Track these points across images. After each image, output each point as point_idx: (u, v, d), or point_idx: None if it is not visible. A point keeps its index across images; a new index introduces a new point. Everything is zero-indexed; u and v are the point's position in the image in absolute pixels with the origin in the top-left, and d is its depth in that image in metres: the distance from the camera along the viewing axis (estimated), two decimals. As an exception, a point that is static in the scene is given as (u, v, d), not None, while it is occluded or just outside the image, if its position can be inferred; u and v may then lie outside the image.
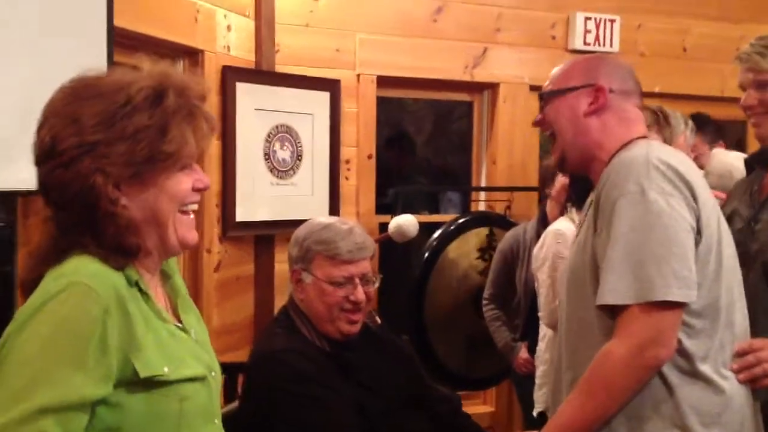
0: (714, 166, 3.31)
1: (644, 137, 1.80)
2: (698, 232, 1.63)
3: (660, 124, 2.76)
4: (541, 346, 2.93)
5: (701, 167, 3.38)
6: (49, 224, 1.32)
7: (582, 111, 1.80)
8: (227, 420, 2.16)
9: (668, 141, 2.79)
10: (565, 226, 2.87)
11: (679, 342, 1.61)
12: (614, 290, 1.58)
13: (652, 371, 1.60)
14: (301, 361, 2.07)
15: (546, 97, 1.86)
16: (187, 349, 1.37)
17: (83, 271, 1.24)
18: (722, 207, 2.37)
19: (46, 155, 1.28)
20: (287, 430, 2.01)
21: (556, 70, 1.89)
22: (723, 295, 1.67)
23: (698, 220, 1.63)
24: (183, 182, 1.36)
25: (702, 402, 1.64)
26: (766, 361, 1.73)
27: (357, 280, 2.16)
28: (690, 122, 3.56)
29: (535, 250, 2.94)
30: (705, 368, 1.64)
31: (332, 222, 2.23)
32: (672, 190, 1.61)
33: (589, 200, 1.82)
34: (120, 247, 1.28)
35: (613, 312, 1.60)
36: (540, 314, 2.92)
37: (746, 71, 2.09)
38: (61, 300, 1.20)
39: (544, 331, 2.92)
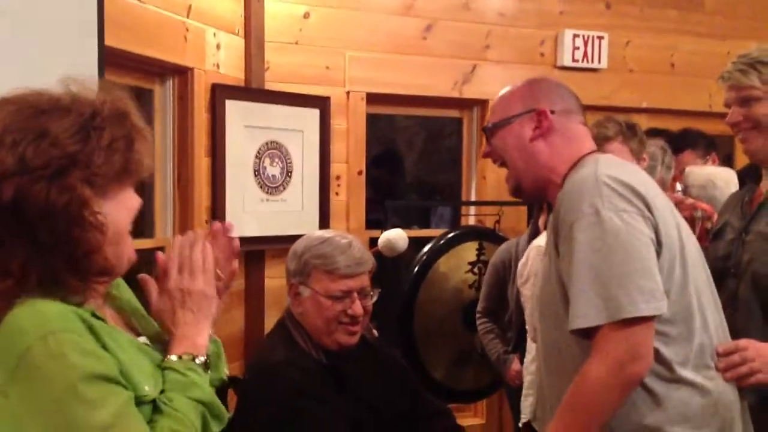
0: (693, 180, 3.35)
1: (593, 152, 1.81)
2: (658, 243, 1.64)
3: (624, 134, 2.79)
4: (528, 358, 2.94)
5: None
6: None
7: (528, 137, 1.81)
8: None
9: (636, 152, 2.83)
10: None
11: (657, 351, 1.62)
12: (584, 315, 1.59)
13: (633, 386, 1.61)
14: (298, 374, 2.08)
15: (491, 129, 1.87)
16: (157, 362, 1.36)
17: (48, 316, 1.19)
18: (717, 220, 2.41)
19: (14, 171, 1.20)
20: None
21: (495, 102, 1.91)
22: (693, 299, 1.69)
23: (656, 230, 1.64)
24: (135, 198, 1.35)
25: (690, 406, 1.65)
26: (751, 360, 1.76)
27: (355, 294, 2.17)
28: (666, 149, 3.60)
29: (520, 266, 2.96)
30: (686, 373, 1.66)
31: (331, 236, 2.23)
32: (626, 206, 1.62)
33: (548, 224, 1.83)
34: (104, 269, 1.27)
35: (587, 334, 1.61)
36: (527, 329, 2.93)
37: (729, 89, 2.13)
38: (39, 356, 1.15)
39: (530, 345, 2.94)
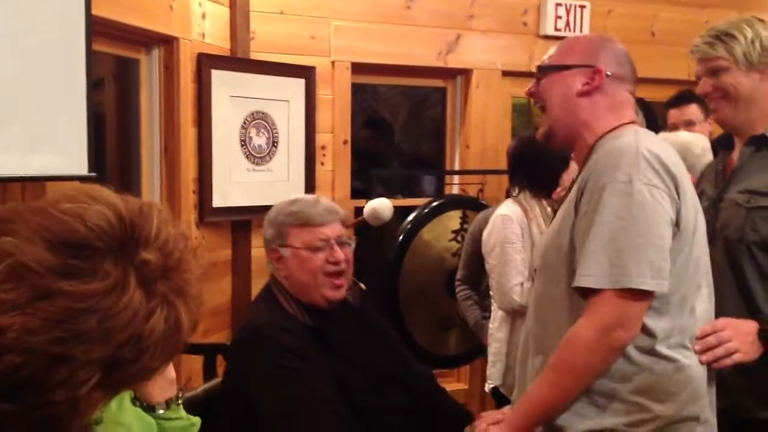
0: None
1: (632, 122, 1.84)
2: (676, 224, 1.68)
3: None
4: (494, 325, 3.00)
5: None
6: None
7: (576, 90, 1.83)
8: (206, 397, 2.24)
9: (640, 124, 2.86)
10: (511, 211, 2.92)
11: (643, 323, 1.67)
12: (591, 275, 1.63)
13: (616, 353, 1.66)
14: (283, 335, 2.12)
15: (543, 70, 1.89)
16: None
17: None
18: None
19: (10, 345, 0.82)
20: (268, 403, 2.06)
21: (560, 44, 1.92)
22: (690, 282, 1.74)
23: (678, 213, 1.68)
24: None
25: (662, 379, 1.70)
26: (727, 340, 1.80)
27: (333, 242, 2.23)
28: (639, 112, 3.65)
29: (485, 235, 3.00)
30: (663, 348, 1.70)
31: (298, 197, 2.31)
32: (658, 182, 1.65)
33: (574, 185, 1.83)
34: None
35: (585, 293, 1.66)
36: (492, 296, 2.99)
37: (699, 62, 2.20)
38: None
39: (496, 312, 3.00)
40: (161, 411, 1.32)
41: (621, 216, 1.62)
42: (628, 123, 1.82)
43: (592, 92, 1.82)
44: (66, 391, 0.83)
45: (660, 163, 1.67)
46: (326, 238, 2.22)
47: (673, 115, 3.60)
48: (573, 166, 3.07)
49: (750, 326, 1.91)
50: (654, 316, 1.69)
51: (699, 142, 3.41)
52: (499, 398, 3.02)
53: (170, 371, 1.32)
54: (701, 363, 1.76)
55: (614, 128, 1.80)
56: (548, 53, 1.92)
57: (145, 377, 0.91)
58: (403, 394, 2.31)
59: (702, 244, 1.80)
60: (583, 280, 1.64)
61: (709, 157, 3.28)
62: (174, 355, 0.94)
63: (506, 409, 2.10)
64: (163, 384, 1.33)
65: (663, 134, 3.44)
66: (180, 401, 1.35)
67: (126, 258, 0.86)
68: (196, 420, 1.35)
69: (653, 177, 1.65)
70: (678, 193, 1.69)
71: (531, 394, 1.75)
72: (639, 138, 1.72)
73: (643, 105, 3.74)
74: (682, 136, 3.38)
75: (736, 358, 1.82)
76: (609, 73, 1.83)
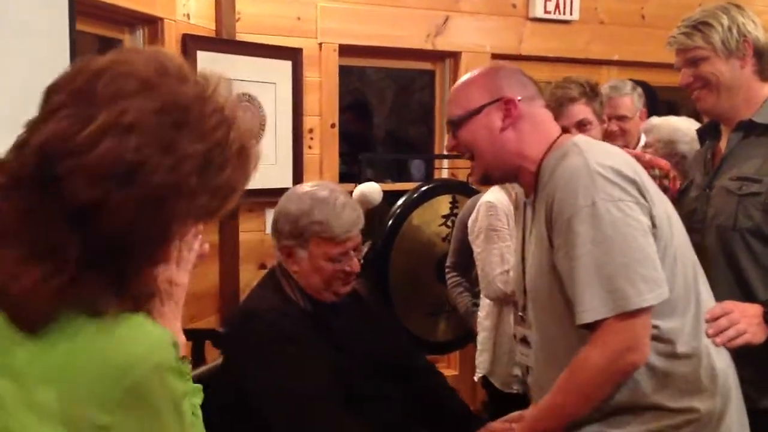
0: (658, 135, 3.34)
1: (562, 134, 1.81)
2: (653, 225, 1.66)
3: (587, 96, 2.79)
4: (482, 314, 2.98)
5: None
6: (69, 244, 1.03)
7: (498, 127, 1.79)
8: (197, 381, 2.21)
9: (599, 113, 2.84)
10: (496, 198, 2.88)
11: (657, 327, 1.66)
12: (590, 308, 1.60)
13: (628, 375, 1.65)
14: (283, 321, 2.11)
15: (456, 123, 1.83)
16: None
17: (158, 343, 1.10)
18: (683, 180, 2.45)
19: (121, 178, 1.02)
20: (264, 388, 2.04)
21: (454, 94, 1.87)
22: (685, 273, 1.73)
23: (651, 215, 1.66)
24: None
25: (692, 377, 1.70)
26: (737, 322, 1.82)
27: (351, 253, 2.22)
28: (638, 88, 3.62)
29: (470, 222, 2.97)
30: (683, 348, 1.69)
31: (324, 196, 2.21)
32: (621, 195, 1.63)
33: (535, 211, 1.80)
34: (147, 297, 1.15)
35: (589, 325, 1.63)
36: (480, 284, 2.97)
37: (677, 53, 2.20)
38: (154, 387, 1.07)
39: (483, 300, 2.98)
40: None
41: (597, 241, 1.60)
42: (558, 136, 1.80)
43: (515, 122, 1.79)
44: (173, 176, 1.03)
45: (615, 173, 1.64)
46: (346, 251, 2.21)
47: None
48: None
49: (755, 309, 1.92)
50: (664, 319, 1.67)
51: (689, 130, 3.38)
52: (489, 387, 3.00)
53: (181, 332, 1.33)
54: (716, 345, 1.76)
55: (550, 147, 1.77)
56: (449, 108, 1.86)
57: (227, 196, 1.13)
58: (400, 389, 2.29)
59: (680, 232, 1.78)
60: (584, 317, 1.61)
61: (696, 145, 3.28)
62: (245, 182, 1.15)
63: (515, 415, 2.10)
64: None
65: (652, 122, 3.42)
66: (187, 363, 1.32)
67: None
68: (198, 386, 1.34)
69: (614, 191, 1.62)
70: (644, 196, 1.66)
71: (540, 416, 1.74)
72: (585, 155, 1.68)
73: (646, 89, 3.72)
74: (670, 121, 3.35)
75: (747, 337, 1.84)
76: (520, 98, 1.80)
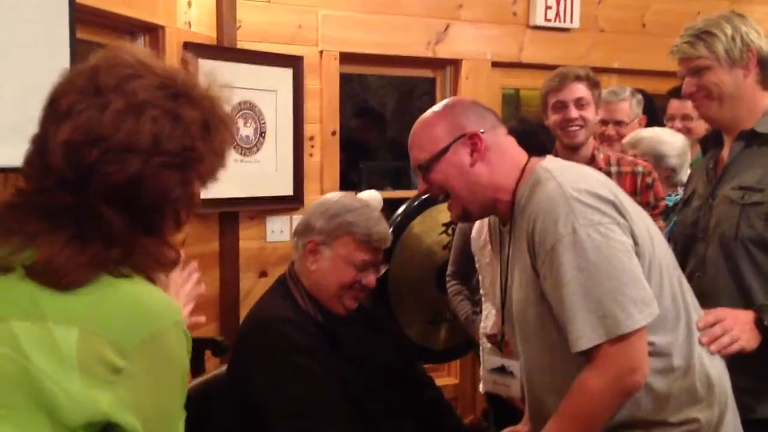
0: (647, 150, 3.34)
1: (530, 159, 1.80)
2: (635, 243, 1.66)
3: (590, 81, 2.90)
4: (487, 323, 2.97)
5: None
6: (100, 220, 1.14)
7: (467, 163, 1.77)
8: (194, 394, 2.20)
9: (596, 101, 2.91)
10: None
11: (653, 344, 1.65)
12: (582, 336, 1.60)
13: (631, 396, 1.65)
14: (295, 332, 2.10)
15: (425, 167, 1.81)
16: None
17: (175, 304, 1.20)
18: (685, 189, 2.44)
19: (148, 149, 1.14)
20: (273, 399, 2.03)
21: (416, 138, 1.85)
22: (672, 285, 1.73)
23: (632, 233, 1.66)
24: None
25: (688, 389, 1.69)
26: (731, 329, 1.82)
27: (372, 267, 2.22)
28: (638, 95, 3.63)
29: (474, 232, 2.97)
30: (678, 360, 1.69)
31: (363, 204, 2.25)
32: (600, 218, 1.62)
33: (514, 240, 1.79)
34: (173, 262, 1.24)
35: (585, 354, 1.62)
36: (482, 294, 2.96)
37: (680, 62, 2.19)
38: (172, 341, 1.15)
39: (488, 310, 2.97)
40: None
41: (582, 268, 1.59)
42: (527, 161, 1.79)
43: (483, 155, 1.77)
44: (187, 140, 1.17)
45: (592, 196, 1.64)
46: (370, 261, 2.21)
47: (674, 106, 3.57)
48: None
49: (747, 316, 1.92)
50: (658, 334, 1.67)
51: (674, 141, 3.38)
52: (492, 401, 2.99)
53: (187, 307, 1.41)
54: (711, 353, 1.76)
55: (521, 174, 1.77)
56: (414, 153, 1.84)
57: (222, 157, 1.25)
58: (406, 400, 2.29)
59: (661, 243, 1.78)
60: (578, 344, 1.61)
61: (685, 158, 3.28)
62: (231, 145, 1.29)
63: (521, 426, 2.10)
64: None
65: (642, 131, 3.41)
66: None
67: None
68: None
69: (593, 215, 1.61)
70: (623, 215, 1.65)
71: None
72: (558, 179, 1.67)
73: (645, 97, 3.72)
74: (659, 135, 3.34)
75: (740, 344, 1.83)
76: (482, 130, 1.78)
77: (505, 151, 1.81)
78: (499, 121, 1.86)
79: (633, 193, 2.83)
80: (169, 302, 1.18)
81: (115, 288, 1.12)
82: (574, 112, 2.86)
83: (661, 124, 3.61)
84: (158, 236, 1.20)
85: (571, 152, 2.88)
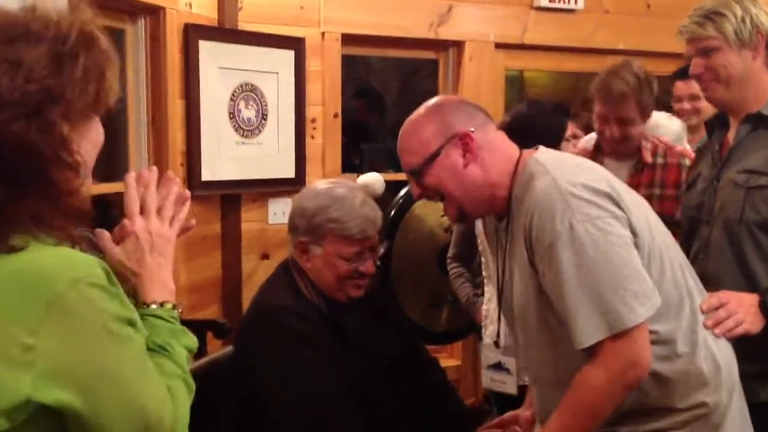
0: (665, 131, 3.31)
1: (521, 153, 1.77)
2: (633, 234, 1.64)
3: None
4: (490, 307, 2.96)
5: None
6: None
7: (460, 164, 1.74)
8: (195, 377, 2.20)
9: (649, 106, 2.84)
10: None
11: (656, 332, 1.65)
12: (586, 332, 1.59)
13: (633, 389, 1.64)
14: (298, 322, 2.09)
15: (418, 172, 1.76)
16: None
17: (73, 261, 1.12)
18: (689, 172, 2.43)
19: None
20: (277, 389, 2.03)
21: (406, 142, 1.80)
22: (675, 272, 1.73)
23: (630, 224, 1.64)
24: (100, 130, 1.26)
25: (694, 373, 1.69)
26: (735, 312, 1.81)
27: (367, 253, 2.20)
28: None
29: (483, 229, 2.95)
30: (683, 347, 1.69)
31: (342, 194, 2.19)
32: (598, 212, 1.60)
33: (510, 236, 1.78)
34: (81, 211, 1.19)
35: (588, 351, 1.62)
36: (485, 276, 2.95)
37: (688, 42, 2.16)
38: (73, 301, 1.09)
39: (490, 293, 2.96)
40: (153, 307, 1.31)
41: (581, 265, 1.58)
42: (519, 156, 1.76)
43: (476, 155, 1.74)
44: (34, 85, 1.12)
45: (588, 189, 1.62)
46: (362, 251, 2.18)
47: (681, 87, 3.53)
48: (565, 144, 3.04)
49: (752, 299, 1.92)
50: (662, 322, 1.66)
51: (670, 124, 3.35)
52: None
53: (169, 281, 1.34)
54: (716, 336, 1.75)
55: (515, 169, 1.74)
56: (404, 157, 1.80)
57: (99, 80, 1.19)
58: (410, 386, 2.28)
59: (660, 230, 1.76)
60: (581, 342, 1.60)
61: (681, 143, 3.25)
62: (111, 62, 1.23)
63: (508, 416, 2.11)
64: (161, 287, 1.33)
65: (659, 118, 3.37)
66: (177, 310, 1.34)
67: None
68: (194, 339, 1.35)
69: (590, 209, 1.60)
70: (620, 207, 1.64)
71: None
72: (553, 174, 1.65)
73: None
74: (655, 118, 3.30)
75: (745, 327, 1.83)
76: (472, 129, 1.75)
77: (497, 148, 1.77)
78: (489, 117, 1.82)
79: (676, 185, 2.79)
80: (58, 263, 1.10)
81: (3, 266, 1.08)
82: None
83: (665, 108, 3.58)
84: (52, 191, 1.14)
85: (617, 144, 2.84)
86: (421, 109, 1.82)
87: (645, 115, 2.82)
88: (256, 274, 3.59)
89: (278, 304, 2.14)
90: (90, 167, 1.24)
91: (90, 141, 1.23)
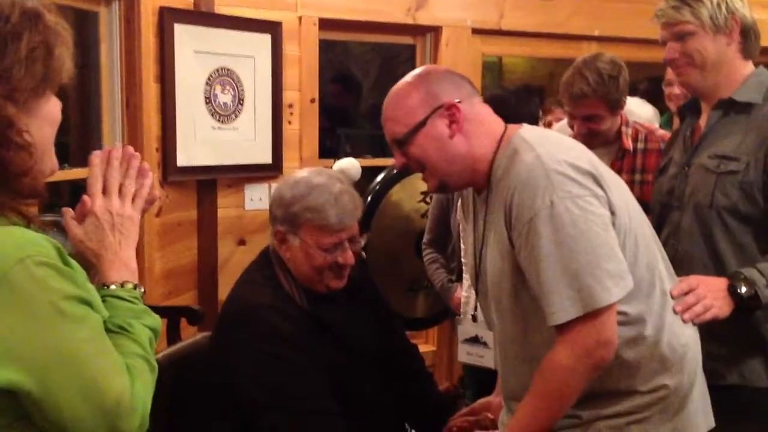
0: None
1: (506, 128, 1.77)
2: (612, 214, 1.65)
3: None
4: (470, 294, 2.98)
5: None
6: None
7: (446, 135, 1.73)
8: (169, 363, 2.20)
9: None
10: None
11: (626, 313, 1.66)
12: (560, 309, 1.59)
13: (601, 369, 1.64)
14: (279, 320, 2.05)
15: (402, 141, 1.75)
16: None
17: (22, 240, 1.12)
18: (662, 157, 2.44)
19: None
20: (255, 391, 2.01)
21: (391, 111, 1.77)
22: (649, 255, 1.74)
23: (609, 204, 1.65)
24: (57, 105, 1.24)
25: (657, 357, 1.71)
26: (704, 297, 1.83)
27: (346, 244, 2.14)
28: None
29: (460, 202, 2.96)
30: (649, 330, 1.70)
31: (321, 182, 2.13)
32: (579, 190, 1.60)
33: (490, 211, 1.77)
34: (34, 191, 1.20)
35: (560, 328, 1.62)
36: (463, 262, 2.97)
37: (663, 27, 2.17)
38: (19, 280, 1.09)
39: (468, 280, 2.97)
40: (113, 287, 1.30)
41: (559, 241, 1.58)
42: (504, 131, 1.76)
43: (461, 126, 1.73)
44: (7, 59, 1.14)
45: (571, 167, 1.62)
46: (340, 241, 2.12)
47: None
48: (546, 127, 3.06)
49: (720, 283, 1.93)
50: (631, 304, 1.67)
51: (642, 111, 3.37)
52: (469, 370, 3.01)
53: (131, 261, 1.34)
54: (684, 322, 1.77)
55: (498, 143, 1.74)
56: (389, 126, 1.77)
57: (47, 57, 1.18)
58: (387, 378, 2.26)
59: (637, 212, 1.77)
60: (554, 318, 1.61)
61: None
62: (59, 37, 1.20)
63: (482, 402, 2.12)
64: (121, 267, 1.32)
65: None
66: (139, 290, 1.34)
67: None
68: (157, 319, 1.34)
69: (572, 187, 1.60)
70: (601, 186, 1.65)
71: (518, 424, 1.72)
72: (537, 150, 1.65)
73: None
74: (626, 105, 3.32)
75: (714, 312, 1.85)
76: (458, 100, 1.73)
77: (482, 121, 1.77)
78: (475, 89, 1.82)
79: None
80: (6, 242, 1.10)
81: None
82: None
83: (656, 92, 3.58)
84: (2, 172, 1.14)
85: (585, 139, 2.84)
86: (408, 77, 1.80)
87: (614, 109, 2.81)
88: (232, 260, 3.58)
89: (257, 302, 2.09)
90: (46, 146, 1.23)
91: (44, 119, 1.22)
